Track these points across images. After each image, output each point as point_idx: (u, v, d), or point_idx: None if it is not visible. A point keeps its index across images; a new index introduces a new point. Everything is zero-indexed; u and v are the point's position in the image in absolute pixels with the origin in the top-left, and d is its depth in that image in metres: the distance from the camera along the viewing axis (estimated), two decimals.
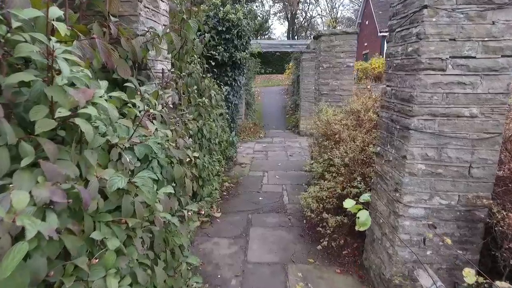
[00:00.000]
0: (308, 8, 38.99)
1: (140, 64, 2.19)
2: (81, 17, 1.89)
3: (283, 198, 4.89)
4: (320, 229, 3.29)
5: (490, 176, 2.19)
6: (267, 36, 35.89)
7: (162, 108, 2.25)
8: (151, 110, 1.60)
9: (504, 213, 2.06)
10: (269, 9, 36.57)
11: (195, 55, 4.17)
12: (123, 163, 1.36)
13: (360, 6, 30.43)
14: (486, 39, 1.99)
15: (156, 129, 1.86)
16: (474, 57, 2.02)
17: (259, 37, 29.46)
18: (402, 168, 2.27)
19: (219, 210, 4.40)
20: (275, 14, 38.52)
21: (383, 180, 2.63)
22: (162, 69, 2.33)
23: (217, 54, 5.40)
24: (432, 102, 2.10)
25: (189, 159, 2.23)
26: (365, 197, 1.54)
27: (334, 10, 39.23)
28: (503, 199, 2.24)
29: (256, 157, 7.36)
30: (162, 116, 2.06)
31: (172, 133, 2.19)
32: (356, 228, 1.33)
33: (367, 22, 26.65)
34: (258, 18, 31.67)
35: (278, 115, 13.29)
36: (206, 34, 3.64)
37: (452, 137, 2.14)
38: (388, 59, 2.54)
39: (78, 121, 1.02)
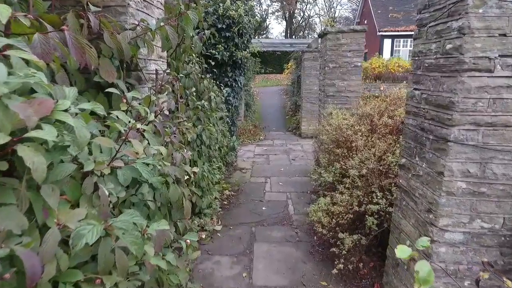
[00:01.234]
0: (306, 8, 38.69)
1: (129, 64, 1.84)
2: (56, 7, 1.55)
3: (288, 208, 4.55)
4: (334, 249, 2.95)
5: None
6: (265, 35, 35.55)
7: (156, 116, 1.91)
8: (138, 125, 1.25)
9: None
10: (267, 8, 36.26)
11: (193, 54, 3.82)
12: (101, 196, 1.02)
13: (358, 5, 30.18)
14: None
15: (148, 143, 1.52)
16: None
17: (257, 36, 29.13)
18: (437, 186, 1.94)
19: (219, 222, 4.06)
20: (273, 13, 38.20)
21: (410, 197, 2.30)
22: (156, 70, 1.99)
23: (216, 53, 5.05)
24: (476, 110, 1.77)
25: (187, 177, 1.89)
26: (424, 242, 1.19)
27: (332, 9, 38.98)
28: None
29: (257, 162, 7.02)
30: (156, 126, 1.72)
31: (168, 146, 1.84)
32: (415, 287, 1.01)
33: (365, 22, 26.38)
34: (257, 17, 31.35)
35: (277, 116, 12.96)
36: (205, 31, 3.29)
37: (498, 151, 1.81)
38: (417, 58, 2.21)
39: (21, 150, 0.68)
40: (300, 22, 38.77)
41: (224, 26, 5.07)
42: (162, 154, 1.43)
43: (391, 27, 21.61)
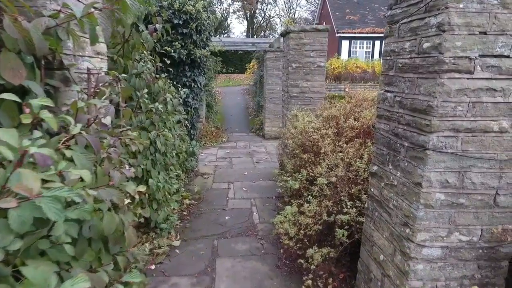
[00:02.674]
0: (267, 8, 38.90)
1: (51, 61, 1.46)
2: None
3: (253, 216, 4.29)
4: (302, 260, 2.74)
5: None
6: (226, 35, 35.12)
7: (89, 126, 1.55)
8: (32, 149, 0.89)
9: None
10: (228, 7, 35.87)
11: (145, 51, 3.42)
12: None
13: (317, 7, 30.79)
14: None
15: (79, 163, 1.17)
16: (508, 56, 1.56)
17: (218, 35, 28.65)
18: (415, 198, 1.77)
19: (178, 237, 3.69)
20: (234, 12, 37.91)
21: (383, 208, 2.13)
22: (88, 69, 1.61)
23: (172, 51, 4.66)
24: (456, 114, 1.62)
25: (128, 200, 1.54)
26: None
27: (292, 10, 39.49)
28: None
29: (220, 165, 6.69)
30: (87, 139, 1.36)
31: (103, 164, 1.49)
32: None
33: (324, 23, 26.94)
34: (217, 16, 30.85)
35: (240, 117, 12.69)
36: (157, 25, 2.92)
37: (477, 158, 1.67)
38: (388, 58, 2.04)
39: None
40: (261, 22, 38.83)
41: (180, 22, 4.68)
42: (85, 181, 1.08)
43: (348, 28, 22.23)
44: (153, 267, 1.80)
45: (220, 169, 6.41)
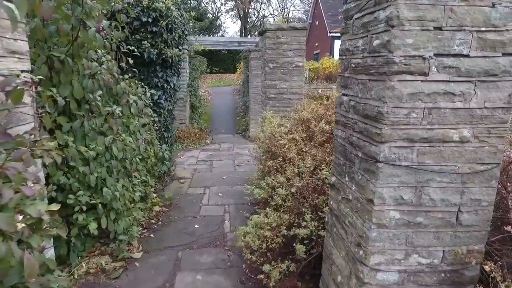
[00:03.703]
0: (260, 8, 38.66)
1: None
2: None
3: (224, 224, 4.07)
4: (262, 277, 2.53)
5: (484, 223, 1.56)
6: (220, 34, 34.89)
7: None
8: None
9: (501, 272, 1.45)
10: (220, 6, 35.63)
11: (99, 51, 3.18)
12: None
13: (310, 7, 30.64)
14: (483, 28, 1.34)
15: None
16: (467, 56, 1.36)
17: (211, 35, 28.42)
18: (367, 216, 1.56)
19: (140, 248, 3.46)
20: (227, 12, 37.68)
21: (340, 223, 1.92)
22: None
23: (141, 50, 4.42)
24: (409, 122, 1.41)
25: (23, 225, 1.31)
26: None
27: (286, 10, 39.35)
28: (500, 251, 1.64)
29: (199, 169, 6.46)
30: None
31: None
32: None
33: (317, 23, 26.86)
34: (209, 15, 30.58)
35: (228, 117, 12.44)
36: (104, 22, 2.68)
37: (435, 172, 1.47)
38: (344, 57, 1.83)
39: None
40: (255, 21, 38.61)
41: (150, 20, 4.45)
42: None
43: (341, 28, 22.07)
44: None
45: (199, 173, 6.18)
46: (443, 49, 1.35)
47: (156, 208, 4.38)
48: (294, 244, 2.52)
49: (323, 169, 2.63)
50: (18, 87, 1.57)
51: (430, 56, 1.35)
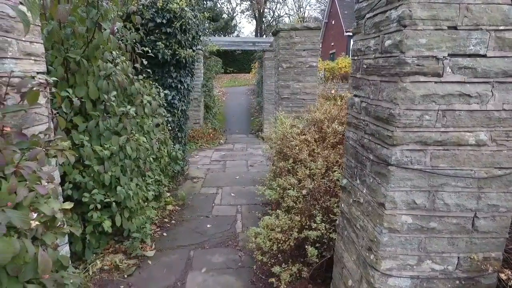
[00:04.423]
0: (275, 7, 38.58)
1: None
2: None
3: (236, 224, 4.08)
4: (273, 280, 2.51)
5: (502, 229, 1.50)
6: (235, 34, 34.99)
7: None
8: None
9: None
10: (235, 6, 35.75)
11: (114, 52, 3.24)
12: None
13: (326, 6, 30.34)
14: (501, 27, 1.29)
15: None
16: (484, 56, 1.31)
17: (226, 35, 28.53)
18: (378, 220, 1.53)
19: (153, 246, 3.51)
20: (242, 12, 37.74)
21: (352, 227, 1.89)
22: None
23: (155, 51, 4.48)
24: (422, 125, 1.37)
25: (37, 223, 1.35)
26: None
27: (301, 9, 39.12)
28: None
29: (212, 169, 6.50)
30: None
31: (8, 180, 1.30)
32: None
33: (333, 22, 26.59)
34: (224, 15, 30.72)
35: (242, 117, 12.47)
36: (118, 23, 2.73)
37: (450, 176, 1.42)
38: (356, 58, 1.80)
39: None
40: (271, 21, 38.52)
41: (164, 21, 4.50)
42: None
43: (352, 28, 21.77)
44: None
45: (212, 173, 6.22)
46: (458, 49, 1.30)
47: (169, 207, 4.44)
48: (305, 247, 2.50)
49: (335, 170, 2.60)
50: (34, 88, 1.62)
51: (444, 57, 1.31)
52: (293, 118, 3.82)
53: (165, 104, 4.59)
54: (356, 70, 1.80)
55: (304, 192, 2.44)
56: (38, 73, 1.82)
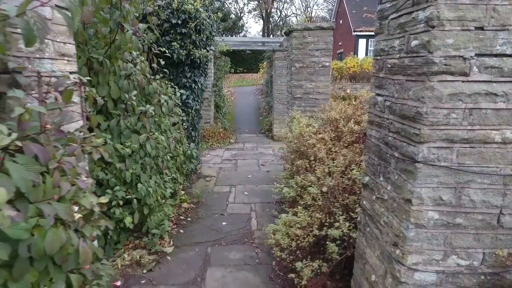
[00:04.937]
0: (283, 7, 38.54)
1: None
2: None
3: (251, 222, 4.14)
4: (293, 275, 2.56)
5: None
6: (242, 34, 35.09)
7: (41, 133, 1.43)
8: None
9: None
10: (243, 6, 35.84)
11: (134, 52, 3.32)
12: None
13: (334, 5, 30.26)
14: None
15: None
16: (511, 55, 1.34)
17: (233, 35, 28.64)
18: (405, 216, 1.57)
19: (171, 243, 3.59)
20: (250, 12, 37.83)
21: (375, 224, 1.93)
22: (39, 72, 1.50)
23: (171, 51, 4.55)
24: (449, 123, 1.41)
25: (79, 215, 1.42)
26: None
27: (309, 9, 39.03)
28: None
29: (224, 168, 6.57)
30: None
31: (52, 174, 1.37)
32: None
33: (341, 22, 26.49)
34: (232, 15, 30.82)
35: (251, 117, 12.54)
36: (140, 24, 2.80)
37: (476, 173, 1.46)
38: (379, 57, 1.84)
39: None
40: (278, 21, 38.53)
41: (179, 22, 4.58)
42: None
43: (365, 27, 21.74)
44: (118, 283, 1.68)
45: (224, 172, 6.29)
46: (485, 49, 1.34)
47: (185, 205, 4.51)
48: (324, 243, 2.55)
49: (353, 169, 2.63)
50: (68, 88, 1.69)
51: (471, 56, 1.34)
52: (307, 117, 3.86)
53: (180, 104, 4.67)
54: (379, 70, 1.84)
55: (324, 189, 2.48)
56: (70, 72, 1.90)
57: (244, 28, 37.68)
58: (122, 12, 2.81)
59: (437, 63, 1.34)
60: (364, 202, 2.09)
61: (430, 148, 1.44)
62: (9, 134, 1.18)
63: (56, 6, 1.52)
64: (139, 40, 3.67)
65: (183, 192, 4.73)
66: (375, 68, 1.89)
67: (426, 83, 1.38)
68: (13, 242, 1.17)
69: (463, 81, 1.37)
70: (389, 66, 1.70)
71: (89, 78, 2.09)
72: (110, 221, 3.03)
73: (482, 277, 1.58)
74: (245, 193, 5.15)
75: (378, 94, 1.87)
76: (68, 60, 1.87)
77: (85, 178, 1.56)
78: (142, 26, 2.89)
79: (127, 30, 2.79)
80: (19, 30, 1.41)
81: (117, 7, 2.81)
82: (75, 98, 1.84)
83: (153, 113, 3.48)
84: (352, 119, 3.24)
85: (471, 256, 1.56)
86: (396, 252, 1.64)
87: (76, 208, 1.43)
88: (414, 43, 1.45)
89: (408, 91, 1.51)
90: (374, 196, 1.93)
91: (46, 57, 1.66)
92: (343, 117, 3.39)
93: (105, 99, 2.94)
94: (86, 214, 1.52)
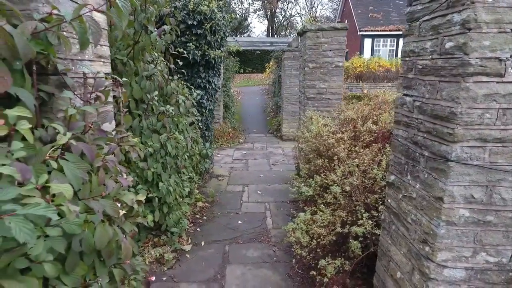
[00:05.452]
0: (287, 7, 38.51)
1: (45, 66, 1.41)
2: None
3: (266, 220, 4.18)
4: (314, 273, 2.60)
5: None
6: (246, 34, 35.15)
7: (85, 133, 1.49)
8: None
9: None
10: (248, 6, 35.89)
11: (155, 53, 3.38)
12: None
13: (339, 5, 30.22)
14: None
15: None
16: None
17: (238, 35, 28.69)
18: (435, 214, 1.60)
19: (189, 241, 3.64)
20: (254, 12, 37.89)
21: (401, 222, 1.96)
22: (84, 73, 1.56)
23: (185, 51, 4.60)
24: (483, 122, 1.44)
25: (124, 211, 1.47)
26: None
27: (313, 9, 38.98)
28: None
29: (235, 167, 6.62)
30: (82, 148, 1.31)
31: (96, 173, 1.43)
32: None
33: (346, 21, 26.40)
34: (237, 15, 30.89)
35: (258, 117, 12.59)
36: (165, 26, 2.86)
37: (508, 172, 1.49)
38: (408, 58, 1.87)
39: None
40: (282, 21, 38.54)
41: (195, 23, 4.63)
42: (66, 195, 1.01)
43: (371, 26, 21.71)
44: (153, 278, 1.73)
45: (236, 171, 6.34)
46: None
47: (200, 204, 4.57)
48: (344, 241, 2.58)
49: (373, 168, 2.67)
50: (107, 88, 1.75)
51: (506, 58, 1.37)
52: (322, 117, 3.89)
53: (195, 104, 4.72)
54: (407, 71, 1.87)
55: (347, 188, 2.52)
56: (105, 74, 1.95)
57: (249, 28, 37.75)
58: (147, 14, 2.87)
59: (473, 64, 1.38)
60: (389, 201, 2.13)
61: (463, 147, 1.47)
62: (64, 134, 1.23)
63: (98, 10, 1.57)
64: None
65: (197, 191, 4.79)
66: (403, 69, 1.92)
67: (461, 84, 1.41)
68: (67, 236, 1.22)
69: (498, 82, 1.40)
70: (420, 67, 1.73)
71: (124, 79, 2.13)
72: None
73: (511, 274, 1.61)
74: (258, 192, 5.19)
75: (406, 95, 1.90)
76: (103, 62, 1.92)
77: (125, 176, 1.61)
78: (167, 28, 2.94)
79: (151, 32, 2.84)
80: (65, 33, 1.48)
81: (142, 9, 2.86)
82: (109, 98, 1.90)
83: (173, 113, 3.53)
84: (370, 119, 3.28)
85: (500, 253, 1.59)
86: (425, 249, 1.68)
87: (118, 205, 1.48)
88: (448, 44, 1.48)
89: (441, 92, 1.54)
90: (401, 195, 1.96)
91: (86, 59, 1.71)
92: (360, 117, 3.42)
93: (128, 99, 3.00)
94: (126, 210, 1.57)
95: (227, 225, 4.06)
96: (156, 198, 3.17)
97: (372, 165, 2.76)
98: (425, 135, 1.70)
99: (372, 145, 3.07)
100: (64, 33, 1.50)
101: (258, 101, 15.28)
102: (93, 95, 1.57)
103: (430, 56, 1.63)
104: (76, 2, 1.61)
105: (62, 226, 1.16)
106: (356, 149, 2.90)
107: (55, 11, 1.29)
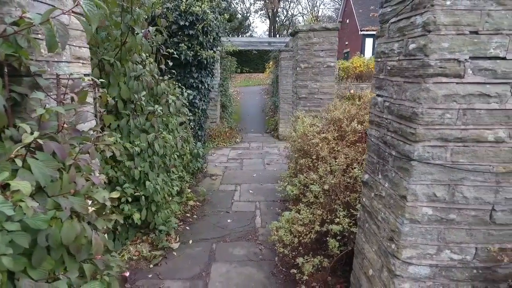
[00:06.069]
0: (289, 7, 38.50)
1: (18, 68, 1.46)
2: None
3: (255, 219, 4.22)
4: (295, 271, 2.64)
5: None
6: (248, 34, 35.17)
7: (59, 132, 1.53)
8: None
9: None
10: (249, 6, 35.92)
11: (143, 54, 3.42)
12: None
13: (340, 4, 30.20)
14: None
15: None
16: (504, 58, 1.40)
17: (240, 35, 28.72)
18: (400, 212, 1.64)
19: (177, 239, 3.69)
20: (256, 11, 37.88)
21: (373, 220, 2.00)
22: (57, 75, 1.60)
23: (178, 52, 4.66)
24: (443, 122, 1.47)
25: (93, 209, 1.51)
26: None
27: (315, 8, 38.95)
28: None
29: (230, 167, 6.66)
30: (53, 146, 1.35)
31: (68, 171, 1.47)
32: None
33: (347, 21, 26.42)
34: (238, 15, 30.93)
35: (257, 117, 12.62)
36: (149, 28, 2.90)
37: (469, 171, 1.52)
38: (379, 59, 1.90)
39: None
40: (284, 21, 38.52)
41: (187, 24, 4.68)
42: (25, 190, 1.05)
43: (372, 26, 21.66)
44: (127, 274, 1.77)
45: (230, 171, 6.38)
46: (479, 52, 1.40)
47: (191, 202, 4.61)
48: (326, 240, 2.62)
49: (354, 167, 2.70)
50: (84, 89, 1.79)
51: (465, 59, 1.41)
52: (312, 117, 3.93)
53: (187, 104, 4.77)
54: (379, 71, 1.91)
55: (326, 187, 2.55)
56: (84, 75, 2.00)
57: (251, 28, 37.77)
58: (133, 15, 2.92)
59: (433, 65, 1.41)
60: (364, 199, 2.16)
61: (425, 147, 1.51)
62: (31, 133, 1.27)
63: (73, 12, 1.62)
64: (148, 42, 3.78)
65: (189, 190, 4.83)
66: (376, 70, 1.96)
67: (422, 84, 1.45)
68: (33, 232, 1.27)
69: (457, 83, 1.43)
70: (389, 68, 1.76)
71: (102, 80, 2.18)
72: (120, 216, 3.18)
73: (475, 271, 1.64)
74: (250, 191, 5.23)
75: (378, 95, 1.93)
76: (82, 63, 1.97)
77: (98, 174, 1.66)
78: (152, 29, 2.98)
79: (137, 33, 2.89)
80: (39, 36, 1.53)
81: (128, 11, 2.91)
82: (89, 99, 1.95)
83: (161, 113, 3.58)
84: (356, 119, 3.31)
85: (464, 251, 1.62)
86: (392, 246, 1.71)
87: (89, 202, 1.52)
88: (411, 46, 1.51)
89: (406, 92, 1.58)
90: (373, 193, 2.00)
91: (63, 60, 1.76)
92: (347, 116, 3.45)
93: (116, 99, 3.05)
94: (98, 208, 1.61)
95: (217, 224, 4.10)
96: (143, 197, 3.22)
97: (354, 164, 2.79)
98: (393, 135, 1.73)
99: (356, 144, 3.10)
100: (39, 35, 1.55)
101: (258, 101, 15.31)
102: (68, 96, 1.61)
103: (397, 58, 1.67)
104: (53, 6, 1.66)
105: (26, 222, 1.21)
106: (338, 148, 2.93)
107: (26, 15, 1.33)
